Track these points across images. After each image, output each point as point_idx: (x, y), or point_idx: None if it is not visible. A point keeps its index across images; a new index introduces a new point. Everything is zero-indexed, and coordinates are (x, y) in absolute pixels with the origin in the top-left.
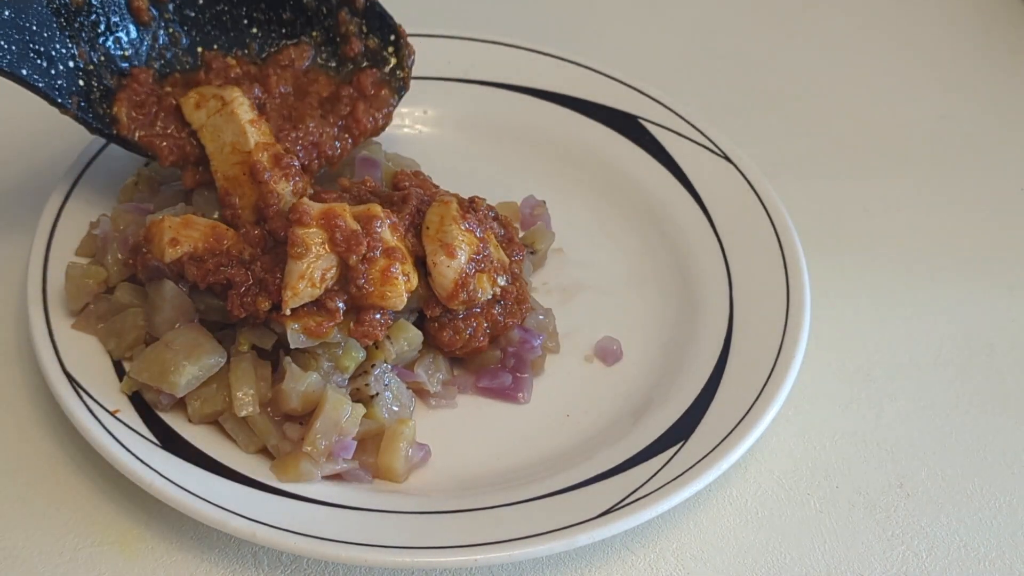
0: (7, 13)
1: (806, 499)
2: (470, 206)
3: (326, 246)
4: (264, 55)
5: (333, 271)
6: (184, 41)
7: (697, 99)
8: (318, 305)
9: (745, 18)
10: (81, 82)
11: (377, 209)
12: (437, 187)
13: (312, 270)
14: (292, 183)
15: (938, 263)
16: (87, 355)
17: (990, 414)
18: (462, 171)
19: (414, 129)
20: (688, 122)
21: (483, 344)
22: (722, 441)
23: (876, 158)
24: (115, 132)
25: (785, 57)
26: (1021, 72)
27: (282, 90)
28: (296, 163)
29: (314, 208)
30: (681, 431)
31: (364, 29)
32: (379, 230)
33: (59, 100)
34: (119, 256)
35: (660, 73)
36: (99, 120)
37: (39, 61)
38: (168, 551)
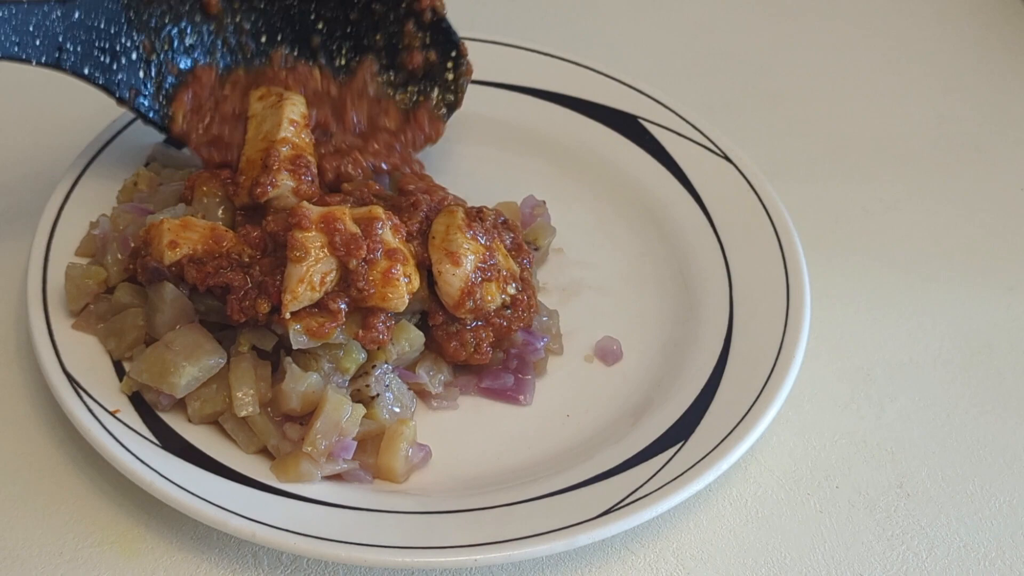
0: (77, 15)
1: (806, 499)
2: (477, 215)
3: (326, 249)
4: (331, 62)
5: (333, 274)
6: (250, 31)
7: (697, 99)
8: (320, 306)
9: (745, 18)
10: (142, 73)
11: (378, 211)
12: (442, 188)
13: (311, 273)
14: (297, 182)
15: (938, 263)
16: (87, 355)
17: (990, 414)
18: (462, 171)
19: None
20: (688, 122)
21: (486, 358)
22: (722, 441)
23: (876, 158)
24: (168, 127)
25: (785, 57)
26: (1021, 72)
27: (356, 130)
28: (312, 168)
29: (314, 212)
30: (681, 431)
31: (427, 42)
32: (380, 232)
33: (117, 94)
34: (119, 256)
35: (660, 73)
36: (156, 113)
37: (103, 58)
38: (168, 551)
